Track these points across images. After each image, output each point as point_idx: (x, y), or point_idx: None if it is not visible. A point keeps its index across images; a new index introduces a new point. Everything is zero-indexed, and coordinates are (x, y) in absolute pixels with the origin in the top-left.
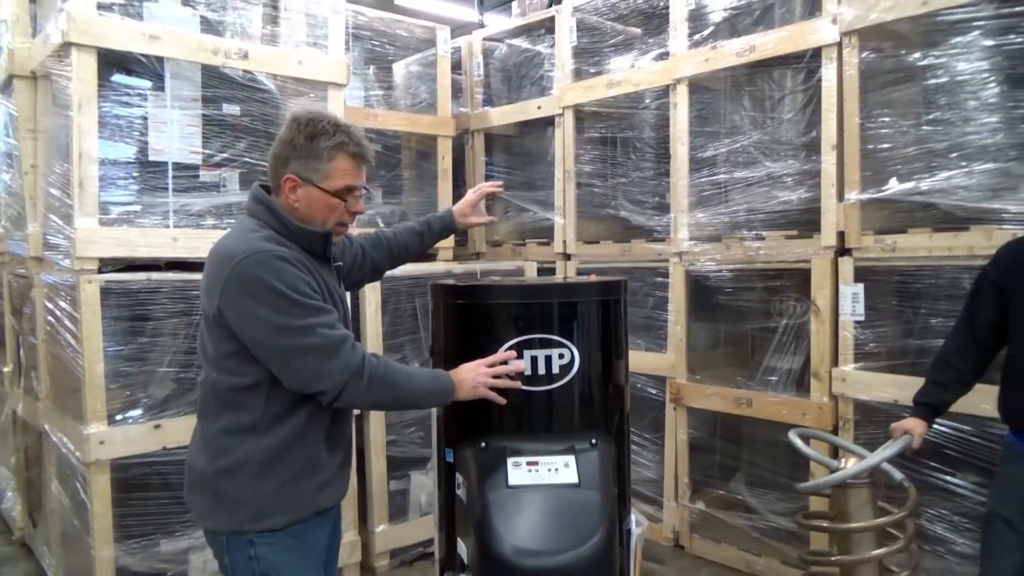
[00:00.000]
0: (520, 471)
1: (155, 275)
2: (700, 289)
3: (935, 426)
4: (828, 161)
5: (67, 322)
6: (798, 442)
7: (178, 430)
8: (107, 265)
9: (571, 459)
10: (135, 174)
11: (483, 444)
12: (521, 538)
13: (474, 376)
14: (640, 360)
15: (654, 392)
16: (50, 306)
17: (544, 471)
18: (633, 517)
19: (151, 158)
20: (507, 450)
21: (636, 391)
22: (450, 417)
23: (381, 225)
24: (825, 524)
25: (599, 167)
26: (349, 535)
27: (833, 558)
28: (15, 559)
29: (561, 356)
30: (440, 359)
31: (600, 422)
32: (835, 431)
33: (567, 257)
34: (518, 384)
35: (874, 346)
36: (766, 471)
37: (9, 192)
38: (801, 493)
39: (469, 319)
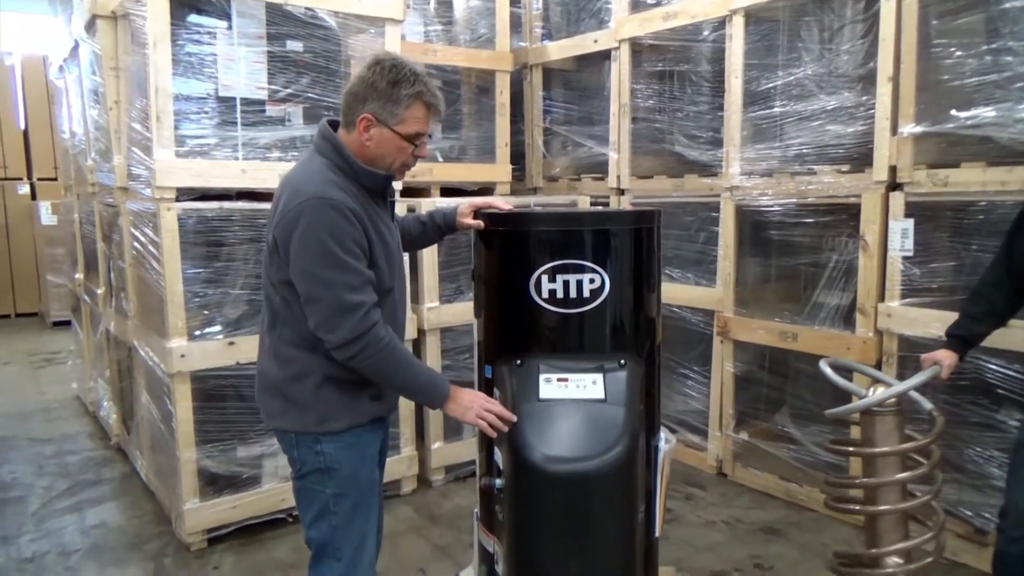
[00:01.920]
0: (551, 386)
1: (227, 204)
2: (751, 224)
3: (985, 362)
4: (883, 93)
5: (150, 247)
6: (827, 370)
7: (249, 347)
8: (184, 194)
9: (599, 377)
10: (207, 109)
11: (519, 361)
12: (548, 446)
13: (471, 400)
14: (689, 293)
15: (703, 325)
16: (135, 232)
17: (573, 387)
18: (662, 435)
19: (221, 94)
20: (540, 367)
21: (685, 324)
22: (490, 336)
23: (439, 159)
24: (851, 448)
25: (655, 102)
26: (407, 450)
27: (856, 480)
28: (112, 462)
29: (592, 280)
30: (481, 283)
31: (630, 346)
32: (878, 366)
33: (621, 192)
34: (502, 428)
35: (921, 282)
36: (811, 404)
37: (97, 127)
38: (828, 418)
39: (507, 245)
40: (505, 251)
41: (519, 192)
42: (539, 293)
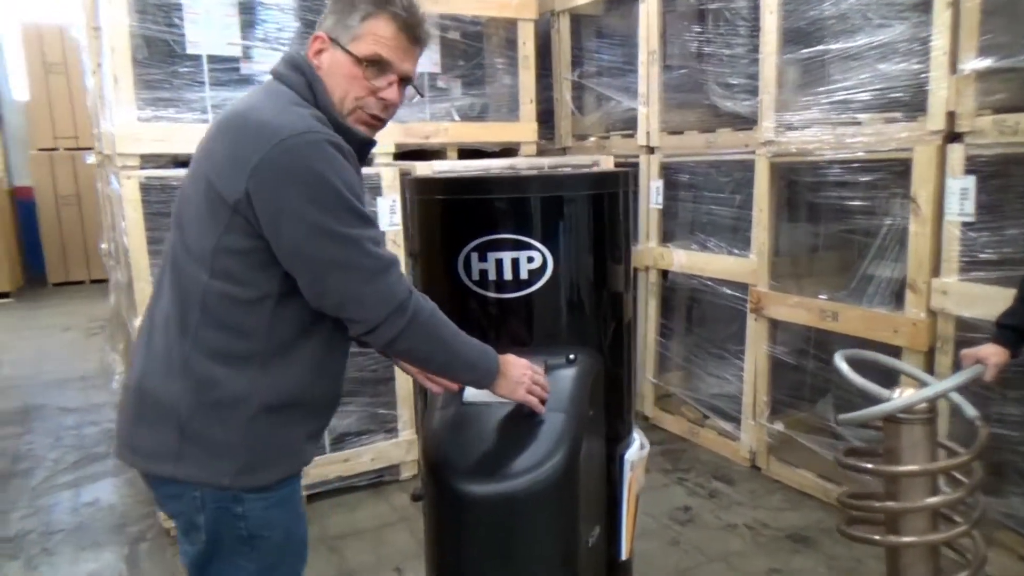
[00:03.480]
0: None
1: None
2: (789, 185)
3: None
4: (940, 22)
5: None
6: (842, 365)
7: None
8: (150, 162)
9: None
10: (173, 68)
11: None
12: (466, 461)
13: (521, 374)
14: (722, 264)
15: (738, 301)
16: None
17: None
18: (636, 440)
19: (188, 51)
20: None
21: (720, 299)
22: None
23: (456, 118)
24: (868, 465)
25: (687, 47)
26: (406, 434)
27: (876, 504)
28: None
29: (530, 260)
30: (415, 262)
31: (588, 334)
32: (931, 353)
33: (651, 150)
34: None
35: (984, 254)
36: (856, 396)
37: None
38: (841, 425)
39: (432, 216)
40: (429, 224)
41: (548, 152)
42: (468, 274)
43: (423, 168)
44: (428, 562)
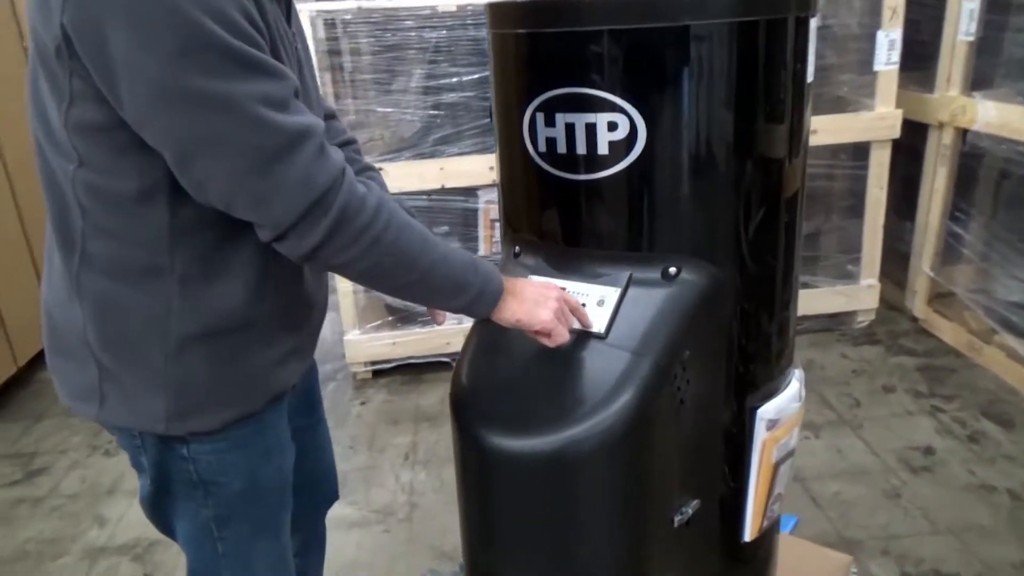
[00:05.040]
0: None
1: None
2: None
3: None
4: None
5: None
6: None
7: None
8: None
9: (612, 294)
10: None
11: (517, 249)
12: (492, 406)
13: (543, 293)
14: None
15: None
16: None
17: None
18: (787, 389)
19: None
20: (533, 264)
21: None
22: (503, 204)
23: None
24: None
25: None
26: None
27: None
28: None
29: (612, 126)
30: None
31: (705, 239)
32: None
33: None
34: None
35: None
36: None
37: None
38: None
39: (496, 56)
40: (497, 69)
41: None
42: (534, 143)
43: None
44: (463, 543)
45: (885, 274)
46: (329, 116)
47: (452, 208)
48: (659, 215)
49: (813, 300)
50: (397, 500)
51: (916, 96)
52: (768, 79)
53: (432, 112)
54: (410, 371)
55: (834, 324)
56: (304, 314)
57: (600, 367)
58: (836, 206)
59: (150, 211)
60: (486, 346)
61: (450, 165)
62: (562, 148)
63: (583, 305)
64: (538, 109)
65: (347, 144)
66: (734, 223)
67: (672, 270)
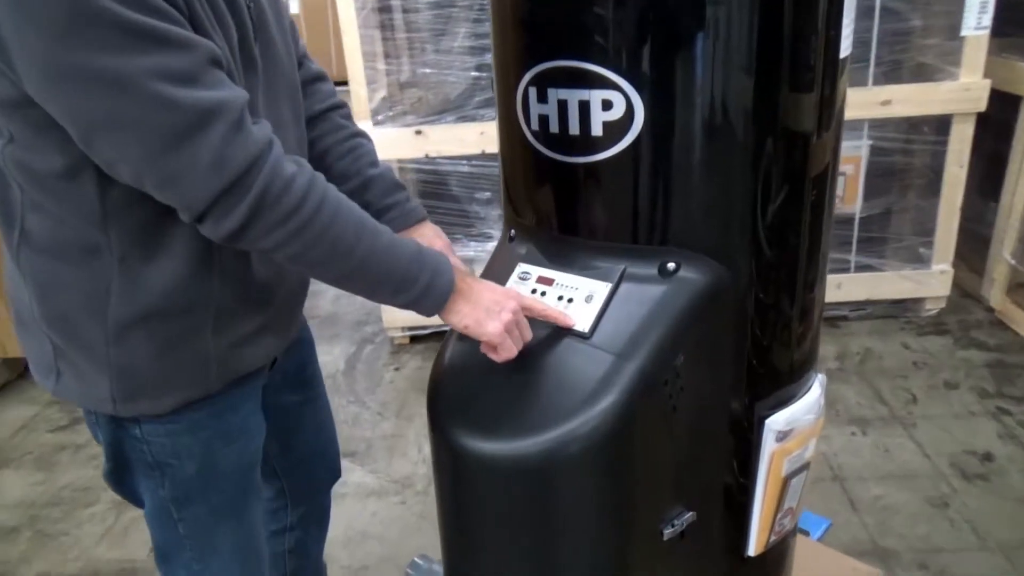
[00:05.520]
0: (520, 288)
1: None
2: None
3: None
4: None
5: None
6: None
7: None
8: None
9: (601, 289)
10: None
11: (512, 233)
12: (468, 407)
13: (499, 302)
14: None
15: None
16: None
17: (552, 299)
18: (806, 397)
19: None
20: (523, 252)
21: None
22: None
23: None
24: None
25: None
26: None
27: None
28: None
29: (607, 105)
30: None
31: (711, 231)
32: None
33: None
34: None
35: None
36: None
37: None
38: None
39: (494, 21)
40: (500, 34)
41: None
42: (527, 120)
43: None
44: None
45: (960, 259)
46: (316, 78)
47: (492, 175)
48: (658, 205)
49: (877, 284)
50: (418, 472)
51: (1008, 64)
52: (796, 40)
53: (475, 73)
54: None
55: (899, 311)
56: (264, 292)
57: (580, 369)
58: (911, 184)
59: (79, 188)
60: (465, 338)
61: (491, 129)
62: (555, 127)
63: (570, 301)
64: (531, 83)
65: (334, 109)
66: (748, 209)
67: (670, 266)
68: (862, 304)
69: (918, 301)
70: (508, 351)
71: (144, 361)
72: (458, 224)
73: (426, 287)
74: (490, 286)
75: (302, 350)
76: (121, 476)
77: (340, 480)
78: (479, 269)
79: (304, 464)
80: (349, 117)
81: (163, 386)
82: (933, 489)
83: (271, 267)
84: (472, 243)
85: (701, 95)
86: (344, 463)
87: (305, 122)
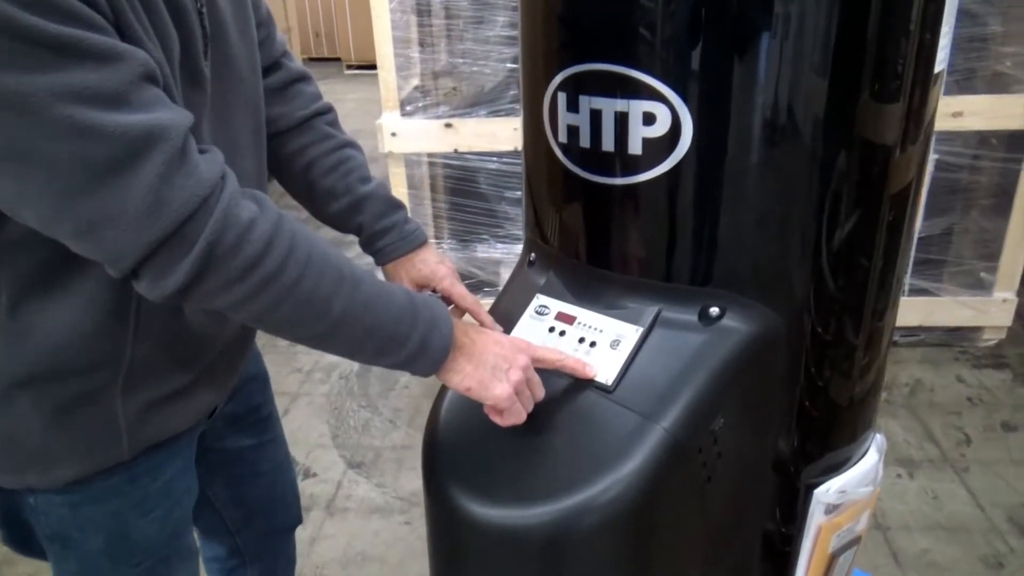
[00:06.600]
0: (536, 325)
1: None
2: None
3: None
4: None
5: None
6: None
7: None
8: None
9: (632, 332)
10: None
11: (532, 256)
12: (465, 457)
13: (507, 358)
14: None
15: None
16: None
17: (571, 342)
18: (863, 465)
19: None
20: (542, 282)
21: None
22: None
23: None
24: None
25: None
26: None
27: None
28: None
29: (649, 118)
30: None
31: (774, 271)
32: None
33: None
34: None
35: None
36: None
37: None
38: None
39: (527, 25)
40: (529, 27)
41: None
42: (554, 130)
43: None
44: None
45: None
46: (298, 79)
47: None
48: (703, 238)
49: (932, 309)
50: None
51: None
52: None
53: (511, 65)
54: None
55: (954, 339)
56: (198, 347)
57: (600, 429)
58: (976, 203)
59: None
60: (464, 403)
61: None
62: (585, 141)
63: (593, 344)
64: (560, 88)
65: (319, 114)
66: (810, 249)
67: (713, 311)
68: (914, 330)
69: (976, 330)
70: (516, 415)
71: (31, 431)
72: (485, 224)
73: (420, 345)
74: (496, 338)
75: (254, 388)
76: (25, 540)
77: (344, 493)
78: (506, 273)
79: (260, 515)
80: (336, 124)
81: (56, 458)
82: (987, 546)
83: (212, 316)
84: (500, 245)
85: (762, 108)
86: (350, 474)
87: (286, 131)
